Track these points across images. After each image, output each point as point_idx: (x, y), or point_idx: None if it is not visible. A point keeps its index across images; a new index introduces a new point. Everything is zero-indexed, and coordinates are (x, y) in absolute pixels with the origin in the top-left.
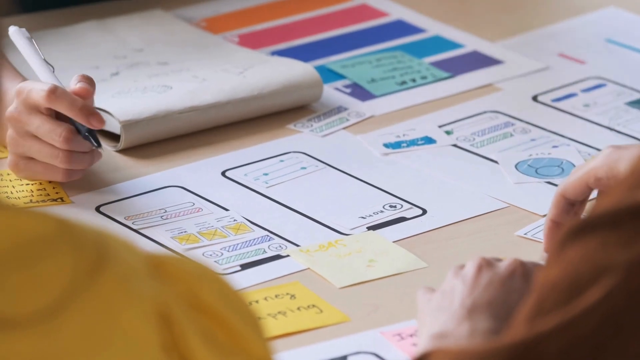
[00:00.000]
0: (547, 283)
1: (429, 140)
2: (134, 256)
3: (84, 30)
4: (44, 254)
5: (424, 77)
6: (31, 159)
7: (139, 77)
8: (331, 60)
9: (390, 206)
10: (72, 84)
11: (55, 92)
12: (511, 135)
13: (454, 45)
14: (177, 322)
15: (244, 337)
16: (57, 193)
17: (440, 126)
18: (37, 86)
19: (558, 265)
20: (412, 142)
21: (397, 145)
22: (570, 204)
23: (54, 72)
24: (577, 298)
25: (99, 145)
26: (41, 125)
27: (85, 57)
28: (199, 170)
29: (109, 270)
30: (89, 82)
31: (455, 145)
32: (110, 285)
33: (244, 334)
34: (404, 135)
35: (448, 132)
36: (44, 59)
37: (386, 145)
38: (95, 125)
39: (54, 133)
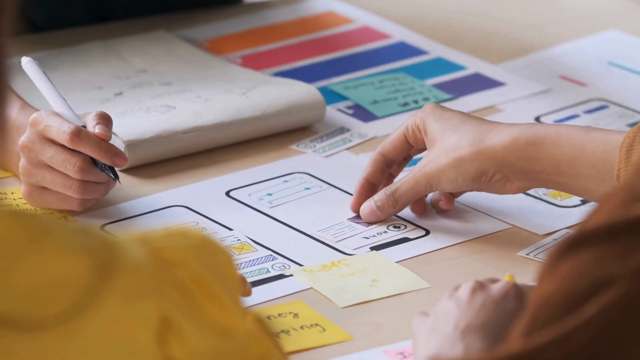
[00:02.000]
0: (542, 297)
1: None
2: (138, 249)
3: (88, 51)
4: (58, 255)
5: (426, 99)
6: (45, 188)
7: (142, 98)
8: (333, 82)
9: (394, 227)
10: (90, 125)
11: (78, 135)
12: None
13: (456, 67)
14: (177, 320)
15: (228, 308)
16: (60, 211)
17: None
18: (56, 124)
19: (553, 279)
20: (414, 162)
21: None
22: (387, 164)
23: (66, 102)
24: (574, 312)
25: (117, 177)
26: (55, 155)
27: (89, 77)
28: (203, 190)
29: (120, 271)
30: (107, 121)
31: None
32: (123, 287)
33: (228, 305)
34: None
35: None
36: (57, 91)
37: None
38: (119, 165)
39: (68, 163)
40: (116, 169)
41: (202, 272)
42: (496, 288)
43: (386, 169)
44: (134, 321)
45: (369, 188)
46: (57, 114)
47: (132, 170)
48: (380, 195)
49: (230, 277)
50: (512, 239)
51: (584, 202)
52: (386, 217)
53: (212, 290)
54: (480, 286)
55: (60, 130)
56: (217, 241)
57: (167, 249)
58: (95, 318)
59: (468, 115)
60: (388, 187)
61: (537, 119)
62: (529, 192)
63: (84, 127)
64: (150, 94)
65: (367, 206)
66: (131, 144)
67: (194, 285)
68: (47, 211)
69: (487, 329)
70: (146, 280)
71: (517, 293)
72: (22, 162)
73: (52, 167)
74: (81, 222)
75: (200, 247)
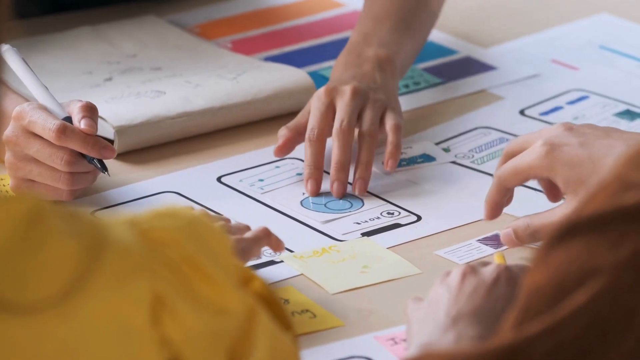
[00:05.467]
0: (533, 286)
1: (428, 158)
2: (126, 231)
3: (78, 36)
4: (49, 239)
5: (417, 83)
6: (33, 181)
7: (132, 83)
8: (324, 66)
9: (388, 213)
10: (75, 119)
11: (64, 131)
12: None
13: (447, 51)
14: (170, 299)
15: (222, 286)
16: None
17: (436, 143)
18: (41, 120)
19: (544, 268)
20: (412, 160)
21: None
22: (508, 189)
23: (48, 91)
24: (563, 301)
25: (106, 169)
26: (41, 149)
27: (79, 62)
28: (194, 176)
29: (109, 253)
30: (92, 113)
31: (454, 162)
32: (113, 269)
33: (222, 283)
34: (402, 153)
35: (445, 150)
36: (38, 79)
37: None
38: (107, 157)
39: (55, 157)
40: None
41: (193, 251)
42: (487, 273)
43: (507, 192)
44: (127, 301)
45: (498, 209)
46: (41, 107)
47: (122, 156)
48: (519, 225)
49: (223, 255)
50: (502, 224)
51: None
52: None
53: (204, 269)
54: (471, 271)
55: (46, 127)
56: (207, 220)
57: (156, 229)
58: (88, 300)
59: (594, 153)
60: (528, 222)
61: (522, 113)
62: (535, 186)
63: (69, 117)
64: (140, 79)
65: (505, 233)
66: (121, 130)
67: (185, 265)
68: None
69: (478, 315)
70: (136, 260)
71: (508, 277)
72: (8, 156)
73: (39, 161)
74: (71, 206)
75: (190, 227)
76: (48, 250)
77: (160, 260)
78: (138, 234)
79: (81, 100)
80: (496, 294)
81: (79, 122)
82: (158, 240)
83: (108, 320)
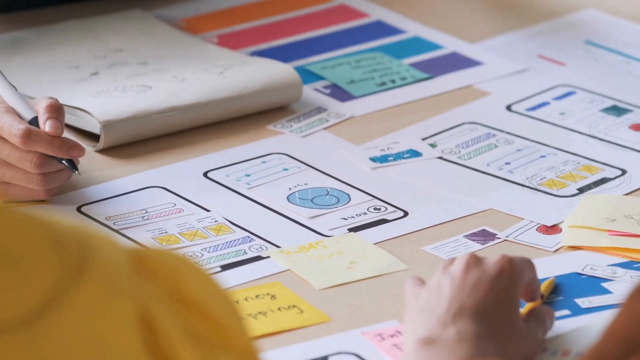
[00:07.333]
0: (611, 331)
1: (414, 154)
2: (117, 254)
3: (64, 30)
4: (28, 254)
5: (403, 78)
6: (9, 183)
7: (118, 77)
8: (310, 61)
9: (375, 208)
10: (41, 120)
11: (29, 135)
12: (495, 146)
13: (434, 47)
14: (159, 323)
15: (228, 329)
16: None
17: (423, 139)
18: (7, 125)
19: (624, 315)
20: (399, 156)
21: (383, 159)
22: None
23: (17, 91)
24: (628, 358)
25: (76, 169)
26: (11, 153)
27: (65, 56)
28: (180, 171)
29: (92, 272)
30: (57, 112)
31: (441, 158)
32: (94, 288)
33: (227, 325)
34: (388, 148)
35: (432, 145)
36: (6, 79)
37: (373, 160)
38: (76, 157)
39: (24, 160)
40: (92, 148)
41: (189, 288)
42: (491, 265)
43: None
44: (109, 323)
45: None
46: (9, 110)
47: (108, 151)
48: None
49: (229, 303)
50: (490, 220)
51: (581, 190)
52: None
53: (205, 309)
54: (475, 261)
55: (11, 133)
56: (213, 274)
57: (154, 259)
58: (65, 319)
59: None
60: None
61: (508, 108)
62: (524, 182)
63: (36, 118)
64: (127, 74)
65: None
66: (107, 125)
67: (179, 297)
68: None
69: (479, 311)
70: (120, 281)
71: (512, 270)
72: None
73: (11, 164)
74: (65, 220)
75: (195, 273)
76: (27, 264)
77: (148, 287)
78: (133, 259)
79: (50, 98)
80: (498, 287)
81: (44, 123)
82: (153, 269)
83: (87, 342)
